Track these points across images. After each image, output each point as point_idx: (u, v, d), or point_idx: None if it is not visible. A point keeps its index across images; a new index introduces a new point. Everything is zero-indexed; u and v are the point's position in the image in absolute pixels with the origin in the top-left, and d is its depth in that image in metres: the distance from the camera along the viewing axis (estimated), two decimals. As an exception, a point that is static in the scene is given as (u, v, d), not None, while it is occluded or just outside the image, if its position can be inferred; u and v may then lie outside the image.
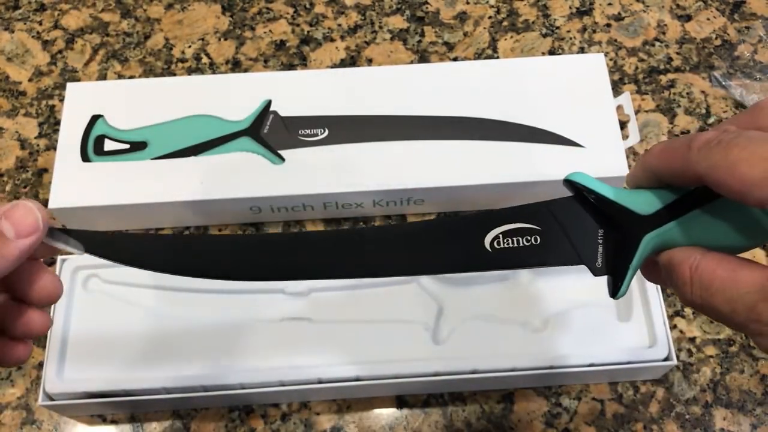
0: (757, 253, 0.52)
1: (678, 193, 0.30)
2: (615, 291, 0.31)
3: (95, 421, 0.48)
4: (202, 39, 0.61)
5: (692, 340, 0.49)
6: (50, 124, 0.58)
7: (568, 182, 0.32)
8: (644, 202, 0.31)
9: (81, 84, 0.55)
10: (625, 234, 0.31)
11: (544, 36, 0.61)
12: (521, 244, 0.33)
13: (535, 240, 0.32)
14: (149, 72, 0.60)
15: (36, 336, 0.32)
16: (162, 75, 0.60)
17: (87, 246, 0.32)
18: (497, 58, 0.60)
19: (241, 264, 0.32)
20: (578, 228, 0.32)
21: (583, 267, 0.32)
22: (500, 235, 0.32)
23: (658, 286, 0.47)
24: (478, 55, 0.60)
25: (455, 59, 0.60)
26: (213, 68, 0.60)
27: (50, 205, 0.50)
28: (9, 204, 0.29)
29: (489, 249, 0.32)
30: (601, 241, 0.32)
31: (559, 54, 0.60)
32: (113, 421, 0.48)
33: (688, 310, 0.50)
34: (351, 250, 0.33)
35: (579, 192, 0.32)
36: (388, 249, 0.33)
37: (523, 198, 0.53)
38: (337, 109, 0.53)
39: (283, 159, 0.51)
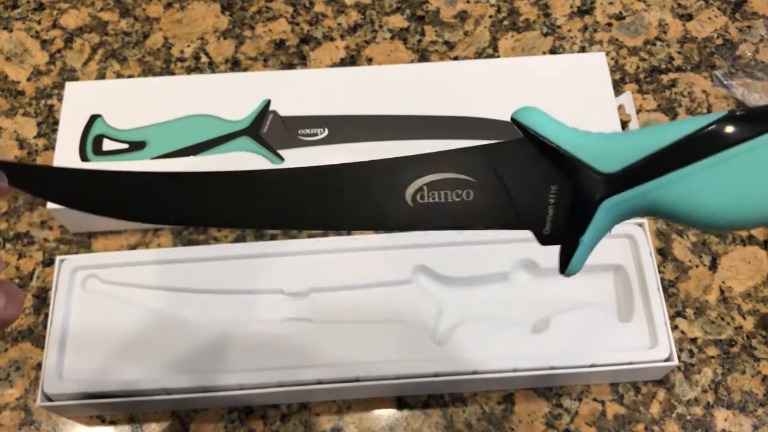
0: (759, 253, 0.52)
1: (664, 141, 0.23)
2: (563, 266, 0.26)
3: (94, 422, 0.47)
4: (201, 38, 0.61)
5: (693, 340, 0.49)
6: (49, 124, 0.57)
7: (516, 122, 0.25)
8: (611, 155, 0.24)
9: (80, 83, 0.55)
10: (581, 196, 0.24)
11: (545, 35, 0.61)
12: (450, 200, 0.26)
13: (467, 195, 0.26)
14: (148, 71, 0.60)
15: None
16: (161, 74, 0.59)
17: (11, 178, 0.27)
18: (498, 57, 0.60)
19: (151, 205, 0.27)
20: (525, 182, 0.25)
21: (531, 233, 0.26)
22: (425, 187, 0.26)
23: (659, 285, 0.46)
24: (479, 55, 0.60)
25: (456, 58, 0.60)
26: (212, 68, 0.60)
27: (49, 205, 0.49)
28: None
29: (410, 203, 0.26)
30: (552, 201, 0.25)
31: (560, 53, 0.60)
32: (112, 422, 0.47)
33: (689, 311, 0.50)
34: (243, 195, 0.26)
35: (530, 135, 0.25)
36: (288, 194, 0.26)
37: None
38: (337, 109, 0.53)
39: (282, 159, 0.51)
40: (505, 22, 0.62)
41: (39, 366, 0.48)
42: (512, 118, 0.25)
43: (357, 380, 0.45)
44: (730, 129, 0.22)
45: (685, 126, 0.23)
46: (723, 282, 0.51)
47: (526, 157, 0.25)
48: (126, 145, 0.52)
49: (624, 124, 0.53)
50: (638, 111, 0.57)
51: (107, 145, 0.52)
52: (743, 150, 0.22)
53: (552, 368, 0.45)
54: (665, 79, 0.59)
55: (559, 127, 0.25)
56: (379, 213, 0.26)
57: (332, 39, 0.61)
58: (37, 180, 0.28)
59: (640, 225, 0.49)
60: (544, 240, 0.26)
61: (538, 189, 0.25)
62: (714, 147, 0.22)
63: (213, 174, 0.27)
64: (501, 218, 0.26)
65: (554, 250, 0.50)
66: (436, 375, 0.45)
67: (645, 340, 0.46)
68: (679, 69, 0.59)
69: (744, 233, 0.52)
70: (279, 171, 0.27)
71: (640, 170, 0.23)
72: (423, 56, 0.60)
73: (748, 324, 0.49)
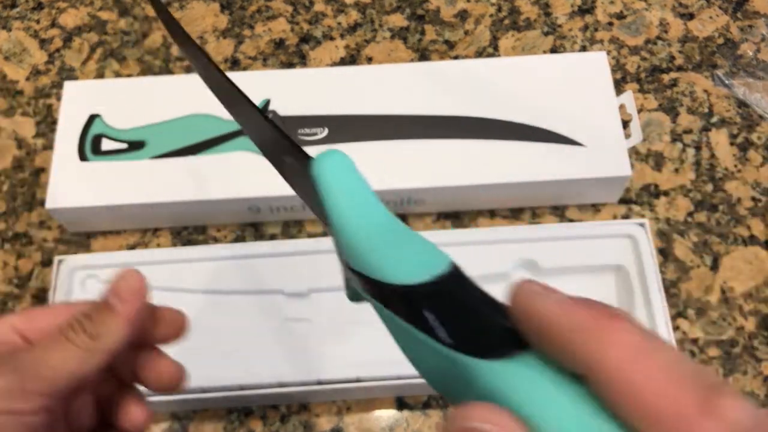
0: (760, 254, 0.51)
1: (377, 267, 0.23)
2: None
3: (93, 423, 0.47)
4: (201, 37, 0.61)
5: (695, 341, 0.49)
6: (47, 124, 0.57)
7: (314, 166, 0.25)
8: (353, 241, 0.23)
9: (78, 83, 0.54)
10: None
11: (546, 34, 0.61)
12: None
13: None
14: (147, 71, 0.59)
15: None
16: (160, 74, 0.59)
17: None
18: (498, 56, 0.60)
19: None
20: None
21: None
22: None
23: (660, 286, 0.46)
24: (479, 54, 0.60)
25: (456, 58, 0.60)
26: (212, 67, 0.59)
27: (47, 205, 0.49)
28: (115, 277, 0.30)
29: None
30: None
31: (561, 52, 0.60)
32: (111, 423, 0.47)
33: (690, 311, 0.50)
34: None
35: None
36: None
37: (523, 199, 0.52)
38: (337, 109, 0.52)
39: (282, 158, 0.50)
40: (506, 22, 0.61)
41: (38, 366, 0.48)
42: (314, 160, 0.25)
43: (357, 380, 0.45)
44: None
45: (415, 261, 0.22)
46: (724, 282, 0.51)
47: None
48: (125, 145, 0.51)
49: (625, 124, 0.53)
50: (639, 110, 0.57)
51: (106, 144, 0.51)
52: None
53: (553, 369, 0.45)
54: (666, 78, 0.58)
55: (354, 182, 0.24)
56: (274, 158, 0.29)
57: (332, 38, 0.61)
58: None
59: (641, 225, 0.48)
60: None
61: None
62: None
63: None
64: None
65: (555, 252, 0.49)
66: (437, 376, 0.45)
67: (646, 341, 0.46)
68: (680, 68, 0.59)
69: (745, 233, 0.52)
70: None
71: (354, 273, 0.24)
72: (423, 56, 0.60)
73: (750, 325, 0.49)
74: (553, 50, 0.60)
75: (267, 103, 0.52)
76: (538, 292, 0.19)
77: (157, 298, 0.47)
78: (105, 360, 0.29)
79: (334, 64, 0.60)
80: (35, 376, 0.28)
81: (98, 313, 0.30)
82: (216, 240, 0.53)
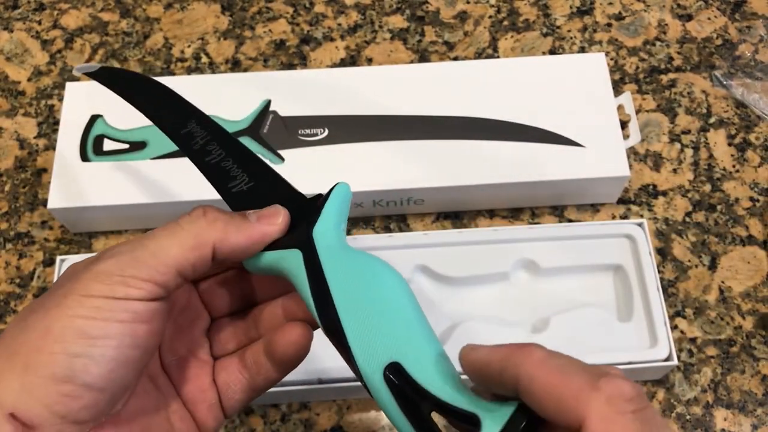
0: (758, 253, 0.52)
1: None
2: None
3: (94, 422, 0.47)
4: (202, 38, 0.61)
5: (693, 340, 0.49)
6: (49, 124, 0.58)
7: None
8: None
9: (80, 83, 0.55)
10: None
11: (545, 35, 0.61)
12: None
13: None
14: (148, 71, 0.60)
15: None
16: (161, 74, 0.59)
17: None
18: (497, 57, 0.60)
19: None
20: None
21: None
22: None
23: (659, 286, 0.47)
24: (479, 55, 0.60)
25: (455, 59, 0.60)
26: (212, 68, 0.60)
27: (49, 205, 0.49)
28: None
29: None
30: None
31: (560, 53, 0.60)
32: (112, 422, 0.47)
33: (688, 311, 0.50)
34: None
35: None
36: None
37: (522, 199, 0.53)
38: (337, 109, 0.53)
39: (282, 159, 0.51)
40: (505, 23, 0.62)
41: (40, 366, 0.48)
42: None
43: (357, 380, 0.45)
44: None
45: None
46: (722, 282, 0.51)
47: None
48: (126, 145, 0.52)
49: (623, 125, 0.53)
50: (638, 111, 0.57)
51: (108, 145, 0.52)
52: None
53: (552, 368, 0.45)
54: (665, 79, 0.59)
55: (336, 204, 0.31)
56: None
57: (332, 39, 0.61)
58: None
59: (640, 225, 0.49)
60: None
61: None
62: None
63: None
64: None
65: (554, 252, 0.50)
66: (436, 375, 0.45)
67: (644, 340, 0.46)
68: (678, 69, 0.59)
69: (743, 232, 0.52)
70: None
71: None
72: (423, 56, 0.60)
73: (748, 324, 0.49)
74: (552, 51, 0.60)
75: (268, 103, 0.53)
76: (471, 348, 0.27)
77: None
78: (208, 255, 0.28)
79: (335, 65, 0.60)
80: (133, 259, 0.26)
81: (232, 216, 0.29)
82: (217, 240, 0.53)
